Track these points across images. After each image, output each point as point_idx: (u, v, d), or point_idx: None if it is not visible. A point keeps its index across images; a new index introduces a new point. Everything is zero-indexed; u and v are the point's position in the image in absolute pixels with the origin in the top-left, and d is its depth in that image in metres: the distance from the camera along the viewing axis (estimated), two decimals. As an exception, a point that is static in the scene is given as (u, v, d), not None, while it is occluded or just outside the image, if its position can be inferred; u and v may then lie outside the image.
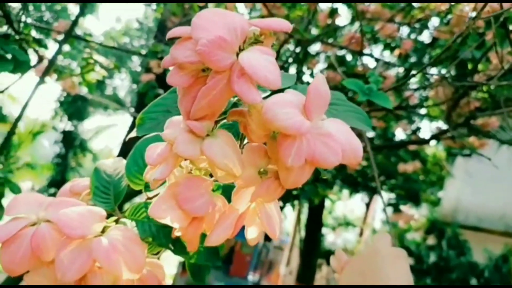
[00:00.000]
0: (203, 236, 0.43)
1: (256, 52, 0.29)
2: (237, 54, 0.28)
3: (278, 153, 0.29)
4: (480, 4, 1.19)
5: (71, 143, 7.43)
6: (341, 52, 2.22)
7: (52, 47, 1.43)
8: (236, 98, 0.34)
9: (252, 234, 0.36)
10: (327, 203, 4.91)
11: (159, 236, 0.39)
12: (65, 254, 0.32)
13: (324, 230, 6.00)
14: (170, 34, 0.30)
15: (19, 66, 1.06)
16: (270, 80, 0.27)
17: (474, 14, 1.30)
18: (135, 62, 8.82)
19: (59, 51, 1.32)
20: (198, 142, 0.31)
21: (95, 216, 0.35)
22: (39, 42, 1.12)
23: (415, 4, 1.76)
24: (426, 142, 1.98)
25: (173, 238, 0.39)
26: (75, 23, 1.33)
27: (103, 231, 0.35)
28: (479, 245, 4.10)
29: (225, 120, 0.34)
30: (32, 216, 0.35)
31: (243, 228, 0.36)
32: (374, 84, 0.80)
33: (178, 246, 0.39)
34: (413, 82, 3.51)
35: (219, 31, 0.28)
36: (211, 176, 0.35)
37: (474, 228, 4.64)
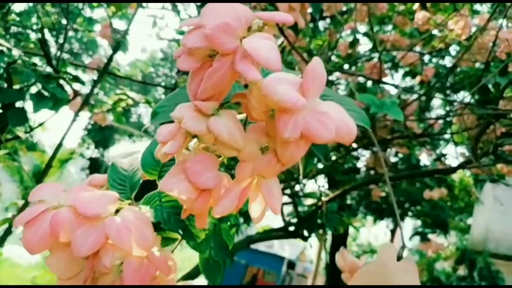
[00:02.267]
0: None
1: (258, 37, 0.32)
2: (241, 40, 0.31)
3: (276, 129, 0.31)
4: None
5: (98, 170, 7.63)
6: (362, 79, 2.25)
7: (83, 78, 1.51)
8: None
9: (256, 211, 0.38)
10: (351, 230, 4.83)
11: (170, 221, 0.42)
12: (81, 231, 0.35)
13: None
14: (181, 24, 0.34)
15: (58, 102, 1.13)
16: (270, 61, 0.30)
17: (497, 42, 1.30)
18: (159, 91, 9.10)
19: (93, 88, 1.39)
20: (204, 119, 0.34)
21: (109, 198, 0.39)
22: (77, 79, 1.19)
23: (435, 33, 1.77)
24: (452, 171, 1.94)
25: (182, 225, 0.41)
26: (109, 61, 1.42)
27: (116, 213, 0.38)
28: (513, 276, 3.90)
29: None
30: (54, 201, 0.39)
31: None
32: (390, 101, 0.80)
33: (187, 233, 0.42)
34: (436, 106, 3.47)
35: (225, 18, 0.31)
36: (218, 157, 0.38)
37: (506, 257, 4.44)
